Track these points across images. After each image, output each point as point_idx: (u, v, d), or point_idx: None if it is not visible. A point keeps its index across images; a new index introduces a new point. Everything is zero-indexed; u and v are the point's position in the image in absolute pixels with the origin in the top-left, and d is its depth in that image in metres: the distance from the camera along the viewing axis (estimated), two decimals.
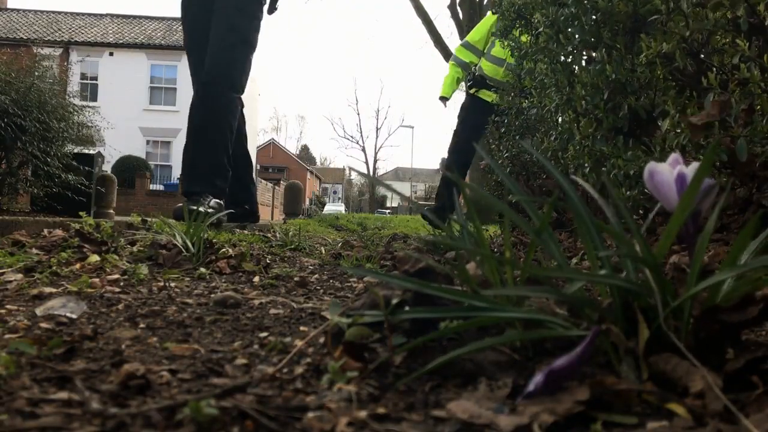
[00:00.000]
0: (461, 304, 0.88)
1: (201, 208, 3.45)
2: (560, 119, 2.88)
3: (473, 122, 5.41)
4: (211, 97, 4.13)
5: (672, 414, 0.69)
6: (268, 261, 2.32)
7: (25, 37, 19.87)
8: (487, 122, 5.00)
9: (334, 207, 47.94)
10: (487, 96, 5.27)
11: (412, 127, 51.92)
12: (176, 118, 23.23)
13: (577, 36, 2.54)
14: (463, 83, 5.74)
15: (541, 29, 2.81)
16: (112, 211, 9.39)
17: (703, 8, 1.91)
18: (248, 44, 4.31)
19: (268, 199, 28.91)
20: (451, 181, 5.46)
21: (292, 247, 3.32)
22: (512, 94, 4.08)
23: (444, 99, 5.67)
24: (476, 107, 5.43)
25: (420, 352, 0.87)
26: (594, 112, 2.41)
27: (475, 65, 5.50)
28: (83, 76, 22.60)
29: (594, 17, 2.41)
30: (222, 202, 4.15)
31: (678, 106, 1.96)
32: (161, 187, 20.24)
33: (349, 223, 8.42)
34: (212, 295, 1.52)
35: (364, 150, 67.67)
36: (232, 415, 0.67)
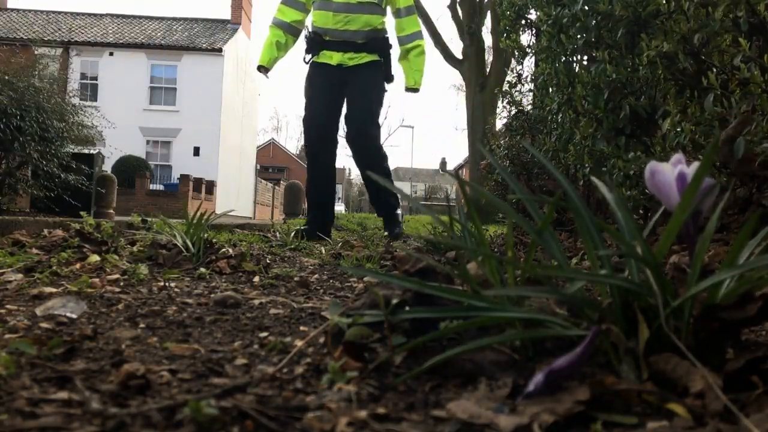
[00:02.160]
0: (461, 304, 0.88)
1: None
2: (560, 118, 2.88)
3: (312, 94, 4.42)
4: None
5: (672, 414, 0.69)
6: (268, 261, 2.32)
7: (24, 37, 19.86)
8: (331, 91, 4.30)
9: None
10: (328, 58, 4.38)
11: (412, 127, 51.90)
12: (176, 118, 23.21)
13: (578, 36, 2.54)
14: (294, 52, 4.69)
15: (543, 28, 2.81)
16: (112, 211, 9.39)
17: (704, 8, 1.91)
18: None
19: (268, 199, 28.90)
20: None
21: (292, 247, 3.33)
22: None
23: (262, 69, 4.54)
24: (315, 75, 4.44)
25: (420, 353, 0.87)
26: (594, 112, 2.41)
27: (301, 23, 4.54)
28: (83, 76, 22.60)
29: (595, 21, 2.41)
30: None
31: (678, 106, 1.96)
32: (161, 187, 20.23)
33: (349, 223, 8.40)
34: (212, 295, 1.52)
35: None
36: (232, 415, 0.67)
